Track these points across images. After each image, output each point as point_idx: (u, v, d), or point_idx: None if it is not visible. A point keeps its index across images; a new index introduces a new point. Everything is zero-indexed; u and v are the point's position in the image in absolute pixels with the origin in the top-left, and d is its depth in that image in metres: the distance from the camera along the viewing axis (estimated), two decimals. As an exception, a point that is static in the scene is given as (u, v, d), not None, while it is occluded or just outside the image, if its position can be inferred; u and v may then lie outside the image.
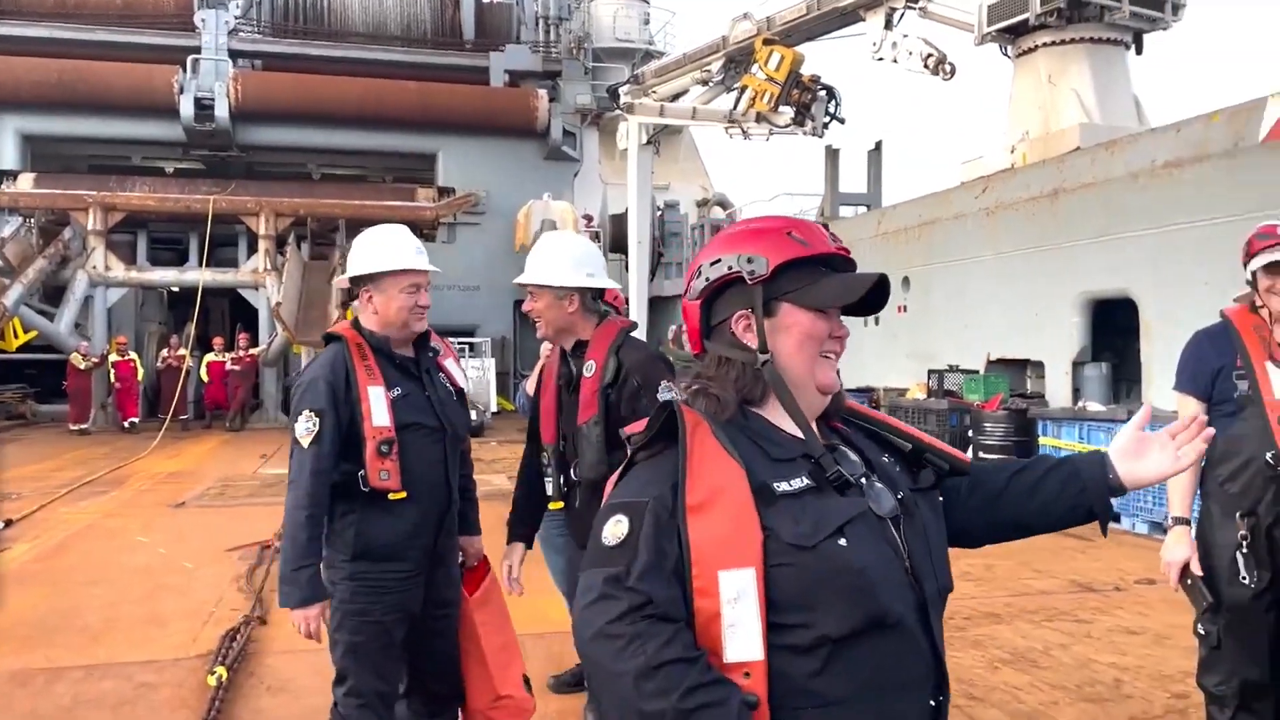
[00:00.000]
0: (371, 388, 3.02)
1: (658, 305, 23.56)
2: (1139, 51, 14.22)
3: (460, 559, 3.36)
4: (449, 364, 3.37)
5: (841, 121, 17.44)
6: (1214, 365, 3.24)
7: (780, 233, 1.52)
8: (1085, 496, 1.60)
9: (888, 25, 15.88)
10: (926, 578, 1.47)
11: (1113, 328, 11.69)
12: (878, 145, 21.01)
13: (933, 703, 1.45)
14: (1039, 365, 12.50)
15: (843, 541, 1.38)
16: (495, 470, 12.85)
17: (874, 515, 1.44)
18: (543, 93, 26.71)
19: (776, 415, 1.50)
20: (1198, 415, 1.63)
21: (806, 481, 1.42)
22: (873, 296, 1.51)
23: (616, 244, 24.13)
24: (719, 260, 1.52)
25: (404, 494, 3.03)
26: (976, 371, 12.57)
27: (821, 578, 1.36)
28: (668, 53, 26.52)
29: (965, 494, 1.65)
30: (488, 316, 24.70)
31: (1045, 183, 12.35)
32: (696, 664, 1.31)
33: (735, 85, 19.14)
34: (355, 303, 3.20)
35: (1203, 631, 3.25)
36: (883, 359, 15.13)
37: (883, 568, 1.41)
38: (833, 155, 19.63)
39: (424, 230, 25.03)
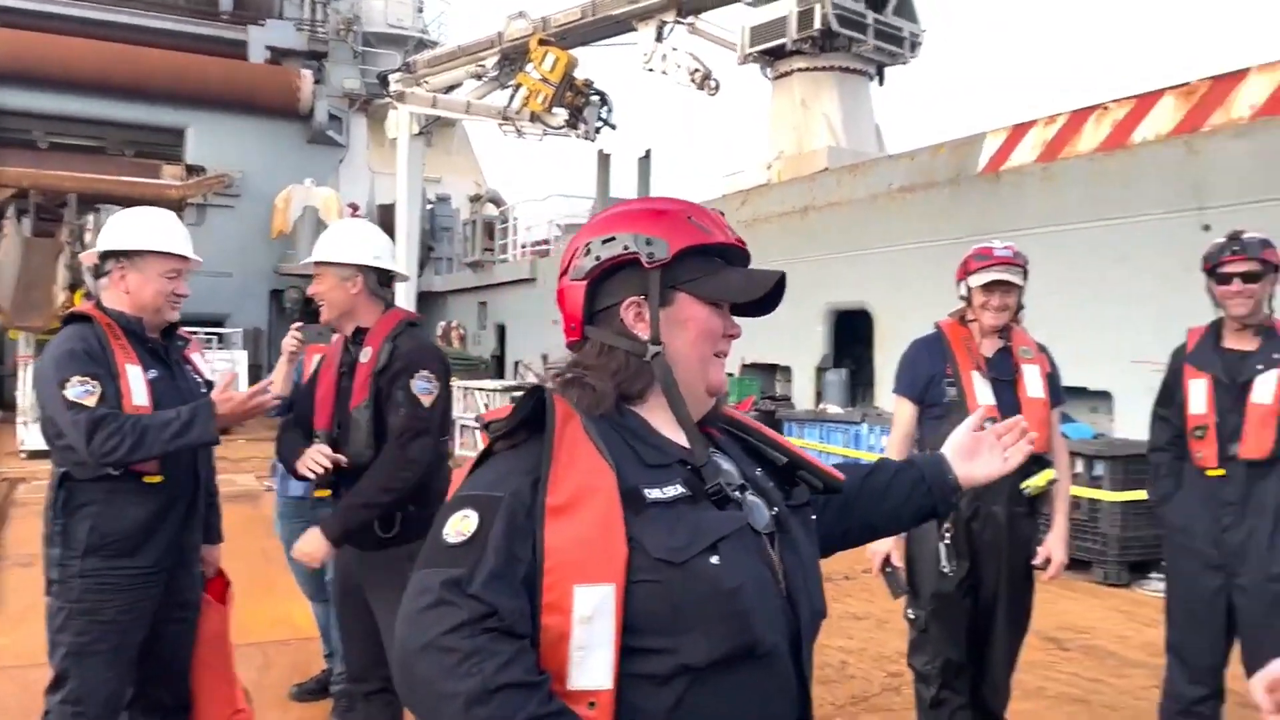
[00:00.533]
0: (129, 366, 2.88)
1: (427, 301, 23.06)
2: (881, 83, 15.47)
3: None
4: (195, 357, 3.27)
5: (613, 127, 17.80)
6: (927, 372, 3.60)
7: (682, 216, 1.38)
8: (930, 498, 1.65)
9: (659, 38, 16.38)
10: (802, 601, 1.34)
11: (852, 336, 12.64)
12: (647, 153, 21.53)
13: None
14: (787, 370, 13.31)
15: (715, 559, 1.23)
16: (243, 470, 12.15)
17: (751, 531, 1.32)
18: (307, 73, 25.45)
19: (654, 415, 1.36)
20: (1019, 420, 1.76)
21: (681, 490, 1.27)
22: (770, 296, 1.41)
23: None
24: (613, 239, 1.36)
25: (160, 478, 2.91)
26: (732, 375, 13.23)
27: (689, 599, 1.21)
28: (441, 43, 26.00)
29: (822, 505, 1.58)
30: (240, 306, 23.25)
31: (797, 199, 13.17)
32: (538, 691, 1.15)
33: (510, 83, 19.07)
34: (98, 281, 3.03)
35: (912, 616, 3.58)
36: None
37: (758, 590, 1.27)
38: (604, 160, 19.97)
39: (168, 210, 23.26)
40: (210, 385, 3.16)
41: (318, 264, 3.15)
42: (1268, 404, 3.38)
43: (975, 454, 1.68)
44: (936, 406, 3.55)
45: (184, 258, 3.03)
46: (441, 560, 1.22)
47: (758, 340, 13.71)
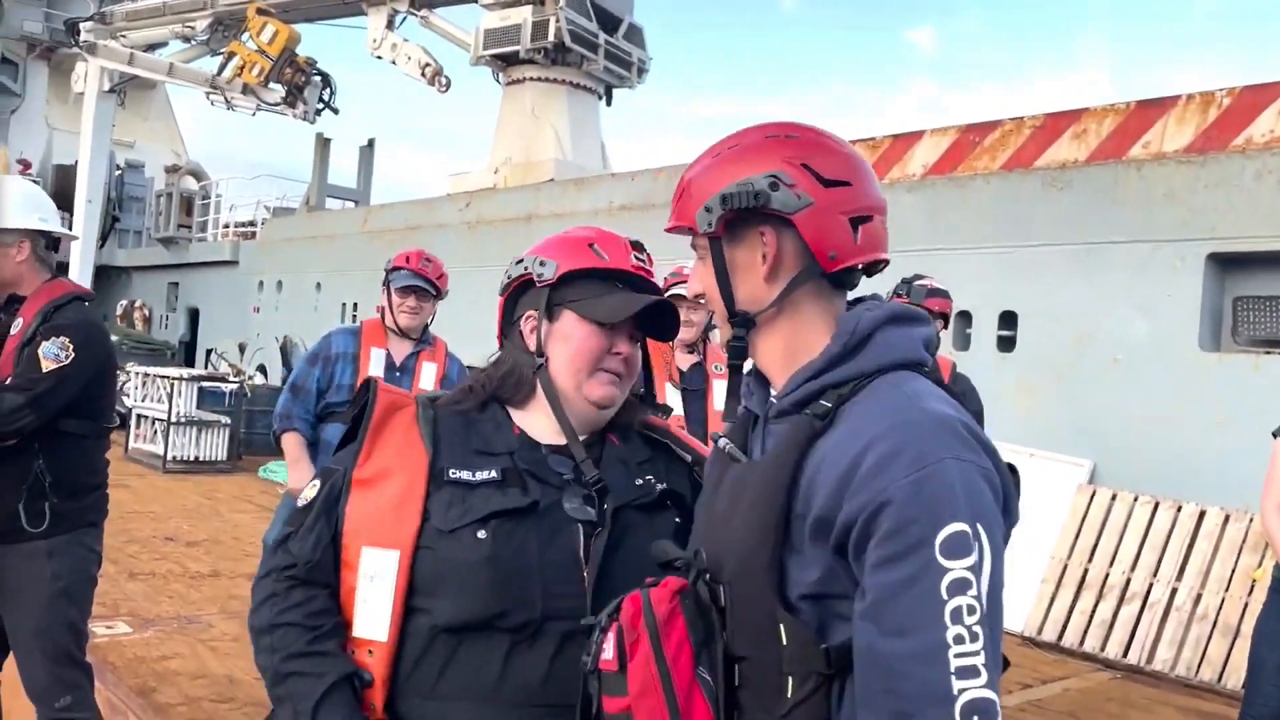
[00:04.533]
0: None
1: (108, 276, 20.86)
2: (609, 103, 15.95)
3: None
4: None
5: (335, 110, 17.01)
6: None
7: (583, 243, 1.52)
8: None
9: (390, 25, 15.90)
10: (612, 595, 1.31)
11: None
12: (370, 142, 20.87)
13: None
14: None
15: (482, 534, 1.36)
16: None
17: (561, 517, 1.41)
18: (-23, 7, 22.28)
19: (533, 416, 1.51)
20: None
21: (491, 475, 1.40)
22: (664, 320, 1.53)
23: (61, 200, 20.84)
24: (521, 260, 1.54)
25: None
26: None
27: (450, 566, 1.35)
28: (145, -3, 23.67)
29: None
30: None
31: (522, 206, 13.25)
32: (312, 632, 1.37)
33: (222, 50, 17.72)
34: None
35: None
36: (355, 357, 14.97)
37: (533, 566, 1.36)
38: (324, 144, 19.06)
39: None
40: None
41: None
42: None
43: None
44: None
45: None
46: (290, 519, 1.47)
47: (484, 346, 13.58)
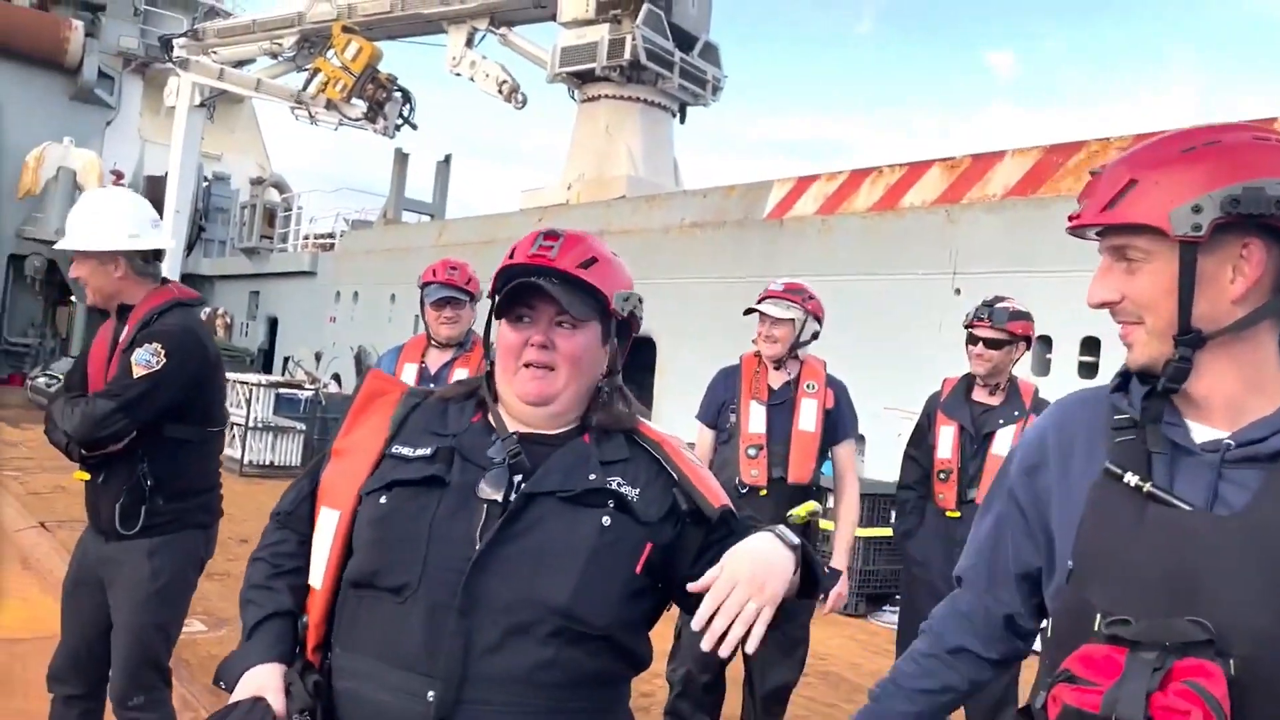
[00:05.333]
0: None
1: (192, 284, 21.46)
2: (682, 120, 16.00)
3: None
4: None
5: (414, 126, 17.41)
6: (720, 399, 3.78)
7: (510, 249, 1.56)
8: None
9: (469, 43, 16.22)
10: (503, 581, 1.38)
11: (639, 363, 12.91)
12: (447, 158, 21.25)
13: (430, 696, 1.35)
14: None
15: (383, 500, 1.46)
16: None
17: (469, 494, 1.44)
18: (78, 24, 23.24)
19: (506, 411, 1.57)
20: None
21: (424, 451, 1.49)
22: (564, 294, 1.48)
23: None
24: None
25: None
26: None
27: (358, 526, 1.48)
28: (235, 14, 24.50)
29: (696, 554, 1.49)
30: (-30, 270, 20.77)
31: (594, 223, 13.33)
32: (273, 569, 1.55)
33: (308, 66, 18.26)
34: None
35: (679, 624, 3.66)
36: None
37: (423, 534, 1.41)
38: (402, 159, 19.47)
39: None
40: None
41: (75, 252, 2.88)
42: (1003, 456, 3.72)
43: None
44: (723, 431, 3.73)
45: None
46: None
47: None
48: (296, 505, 1.60)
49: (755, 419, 3.66)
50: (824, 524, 3.92)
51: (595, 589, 1.40)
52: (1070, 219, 1.23)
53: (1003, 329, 3.70)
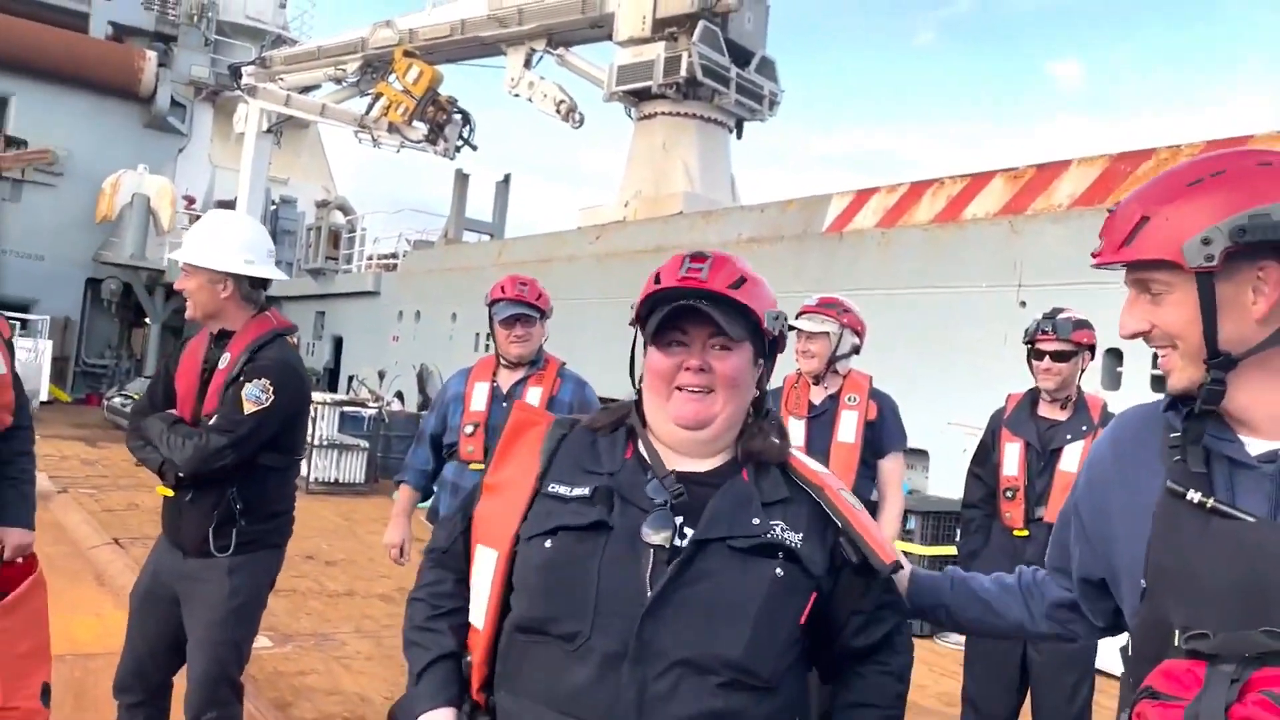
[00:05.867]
0: None
1: (259, 304, 22.03)
2: (739, 136, 15.98)
3: None
4: None
5: (474, 147, 17.66)
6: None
7: (652, 275, 1.54)
8: None
9: (527, 64, 16.42)
10: (675, 631, 1.36)
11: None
12: (506, 178, 21.48)
13: None
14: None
15: (548, 544, 1.44)
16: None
17: (634, 539, 1.41)
18: (152, 55, 24.11)
19: (657, 440, 1.54)
20: None
21: (583, 492, 1.47)
22: (722, 315, 1.45)
23: (220, 233, 22.25)
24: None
25: None
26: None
27: (523, 569, 1.46)
28: (301, 42, 25.16)
29: (848, 635, 1.51)
30: (50, 292, 21.56)
31: (651, 239, 13.36)
32: (434, 610, 1.57)
33: (370, 90, 18.65)
34: None
35: None
36: (487, 386, 15.34)
37: (590, 580, 1.39)
38: (462, 179, 19.73)
39: (-21, 182, 21.48)
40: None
41: (187, 264, 2.96)
42: (1073, 472, 3.61)
43: None
44: None
45: None
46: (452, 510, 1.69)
47: (607, 373, 13.74)
48: (451, 543, 1.60)
49: (794, 434, 3.62)
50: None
51: (765, 640, 1.40)
52: (1093, 256, 1.29)
53: (1068, 340, 3.62)
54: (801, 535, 1.45)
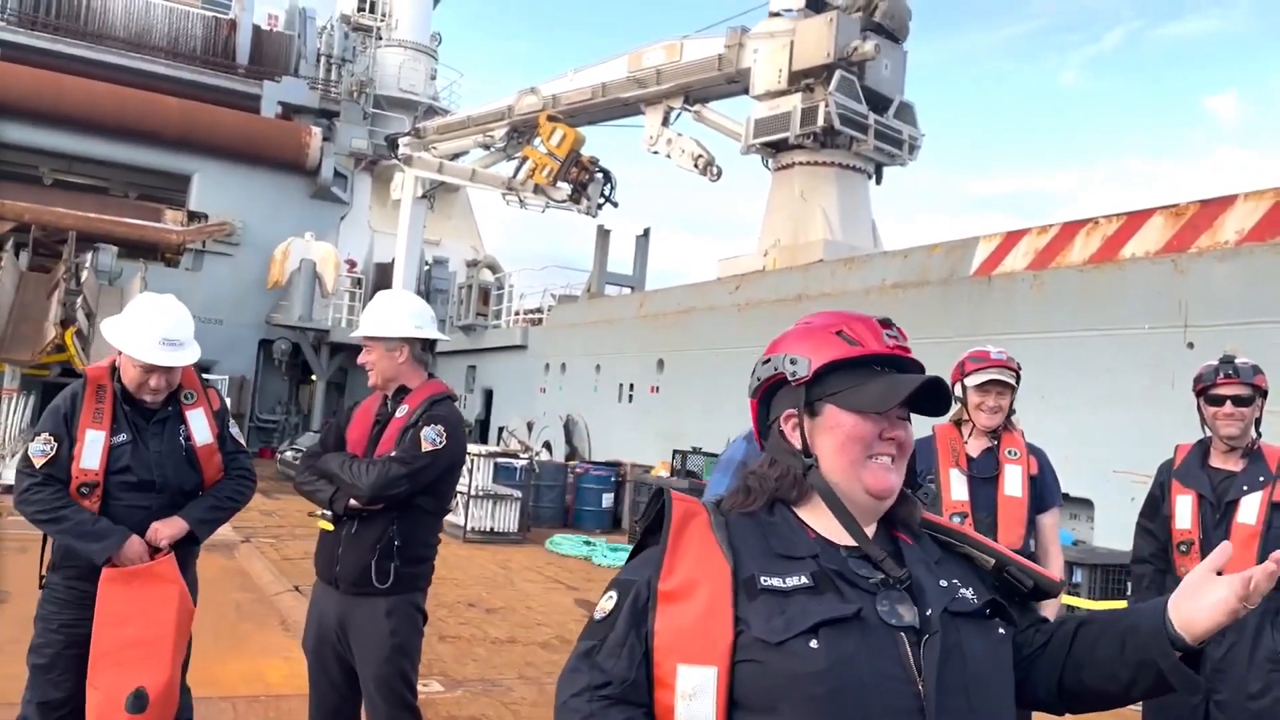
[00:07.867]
0: (91, 430, 3.13)
1: (415, 361, 23.05)
2: (879, 181, 15.87)
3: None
4: (194, 415, 3.36)
5: (615, 205, 18.16)
6: (919, 469, 3.69)
7: (828, 331, 1.46)
8: (1145, 651, 1.37)
9: (665, 122, 16.83)
10: (952, 713, 1.29)
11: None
12: (646, 232, 21.93)
13: None
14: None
15: (814, 643, 1.27)
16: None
17: (880, 624, 1.31)
18: (317, 130, 25.93)
19: (819, 513, 1.43)
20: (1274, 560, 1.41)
21: (803, 581, 1.33)
22: (936, 397, 1.43)
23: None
24: (769, 360, 1.50)
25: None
26: (717, 455, 13.24)
27: (784, 679, 1.27)
28: (450, 111, 26.57)
29: (1038, 645, 1.46)
30: (228, 354, 23.21)
31: (791, 288, 13.39)
32: None
33: (516, 154, 19.49)
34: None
35: None
36: (634, 435, 15.61)
37: (866, 680, 1.27)
38: (604, 235, 20.29)
39: (166, 255, 23.42)
40: (195, 450, 3.31)
41: (366, 337, 3.36)
42: (1252, 525, 3.46)
43: (1201, 593, 1.42)
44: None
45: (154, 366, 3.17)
46: (587, 633, 1.39)
47: (745, 421, 13.74)
48: (634, 671, 1.32)
49: (957, 487, 3.59)
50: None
51: (1011, 700, 1.41)
52: None
53: (1251, 384, 3.50)
54: (971, 588, 1.41)
